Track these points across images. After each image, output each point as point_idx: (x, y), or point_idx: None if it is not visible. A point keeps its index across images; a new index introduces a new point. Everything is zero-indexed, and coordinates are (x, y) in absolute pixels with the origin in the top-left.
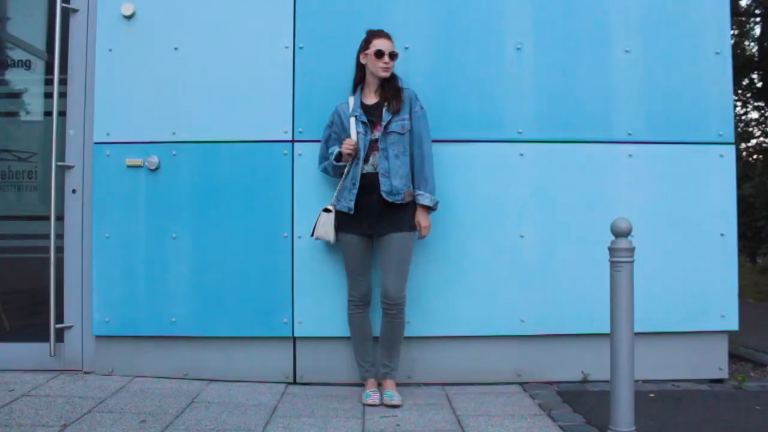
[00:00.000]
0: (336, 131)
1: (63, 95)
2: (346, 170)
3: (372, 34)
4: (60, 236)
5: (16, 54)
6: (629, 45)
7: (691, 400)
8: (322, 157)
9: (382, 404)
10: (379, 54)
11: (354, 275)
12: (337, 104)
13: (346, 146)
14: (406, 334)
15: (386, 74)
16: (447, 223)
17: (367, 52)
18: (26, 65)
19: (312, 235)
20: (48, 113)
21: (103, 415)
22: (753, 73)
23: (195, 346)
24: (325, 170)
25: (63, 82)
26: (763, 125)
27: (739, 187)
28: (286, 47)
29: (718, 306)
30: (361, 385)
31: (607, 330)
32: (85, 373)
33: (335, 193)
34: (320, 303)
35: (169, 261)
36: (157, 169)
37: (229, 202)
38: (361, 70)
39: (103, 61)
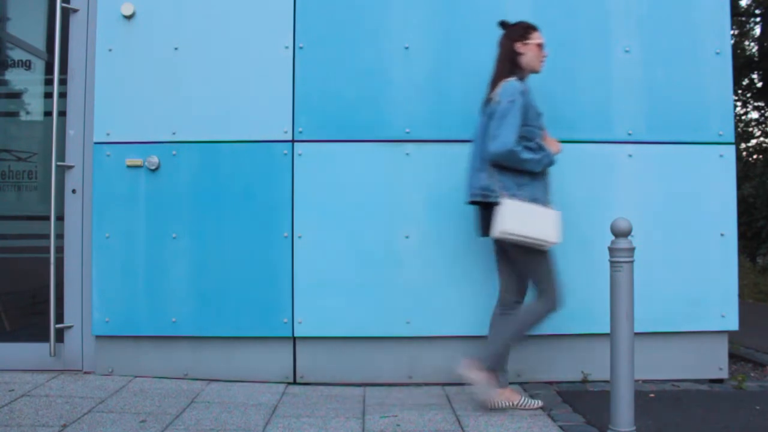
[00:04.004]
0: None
1: (63, 95)
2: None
3: (532, 26)
4: (60, 236)
5: (16, 54)
6: (629, 45)
7: (691, 400)
8: (522, 138)
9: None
10: (542, 47)
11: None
12: (516, 85)
13: (558, 150)
14: (406, 334)
15: (540, 69)
16: (447, 223)
17: (527, 41)
18: (26, 65)
19: (525, 235)
20: (48, 113)
21: (103, 415)
22: (753, 73)
23: (195, 346)
24: (526, 161)
25: (63, 82)
26: (763, 125)
27: (739, 187)
28: (286, 47)
29: (718, 306)
30: (361, 385)
31: (607, 330)
32: (85, 373)
33: (533, 191)
34: (320, 303)
35: (169, 261)
36: (157, 169)
37: (229, 202)
38: (512, 58)
39: (103, 61)
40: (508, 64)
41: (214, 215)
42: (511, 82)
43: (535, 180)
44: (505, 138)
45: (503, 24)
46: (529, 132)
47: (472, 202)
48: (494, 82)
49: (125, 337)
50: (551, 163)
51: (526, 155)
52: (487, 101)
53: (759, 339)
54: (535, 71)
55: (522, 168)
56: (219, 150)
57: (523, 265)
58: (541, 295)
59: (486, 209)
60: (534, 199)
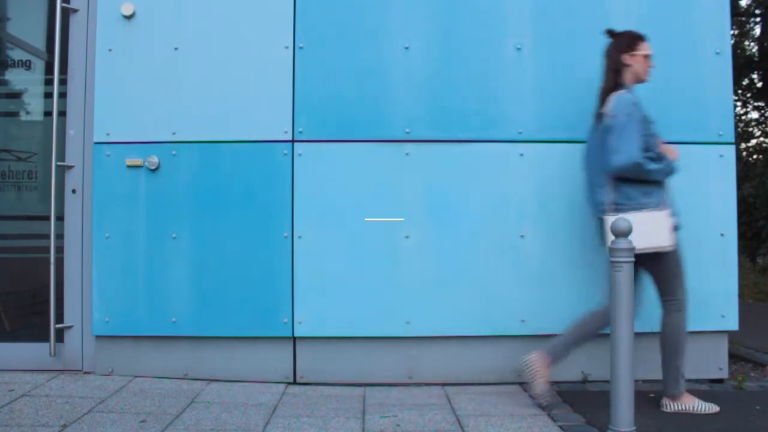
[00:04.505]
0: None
1: (63, 95)
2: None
3: (639, 36)
4: (60, 236)
5: (16, 54)
6: None
7: None
8: (643, 149)
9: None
10: (649, 57)
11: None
12: (628, 98)
13: (676, 156)
14: (406, 334)
15: (647, 79)
16: (447, 223)
17: (635, 53)
18: (26, 65)
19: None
20: (48, 113)
21: (103, 415)
22: (753, 73)
23: (195, 346)
24: (652, 171)
25: (63, 82)
26: (763, 125)
27: (739, 187)
28: (286, 47)
29: (718, 306)
30: (361, 385)
31: (607, 330)
32: (85, 373)
33: (660, 196)
34: (320, 303)
35: (169, 261)
36: (157, 169)
37: (228, 202)
38: (618, 69)
39: (103, 61)
40: (615, 75)
41: (214, 215)
42: (623, 95)
43: (659, 187)
44: (628, 151)
45: (610, 33)
46: (647, 142)
47: (601, 218)
48: (603, 95)
49: (125, 337)
50: (673, 171)
51: (652, 166)
52: (599, 116)
53: (759, 339)
54: (641, 81)
55: (647, 178)
56: (219, 150)
57: (651, 272)
58: (670, 302)
59: None
60: (660, 204)
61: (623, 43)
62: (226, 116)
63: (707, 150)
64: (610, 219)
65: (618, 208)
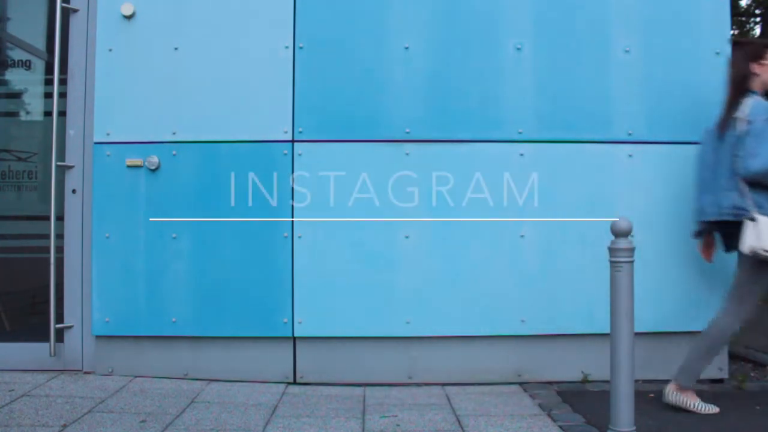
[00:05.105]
0: None
1: (63, 95)
2: None
3: (767, 45)
4: (60, 236)
5: (16, 54)
6: (629, 45)
7: None
8: None
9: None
10: None
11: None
12: (766, 104)
13: None
14: (406, 334)
15: None
16: (448, 223)
17: (764, 62)
18: (26, 65)
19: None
20: (48, 113)
21: (103, 415)
22: None
23: (195, 346)
24: None
25: (63, 82)
26: None
27: None
28: (286, 47)
29: (718, 306)
30: (361, 385)
31: (607, 330)
32: (85, 373)
33: None
34: (320, 303)
35: (169, 261)
36: (157, 169)
37: (229, 202)
38: (746, 76)
39: (103, 61)
40: (743, 83)
41: (214, 215)
42: (761, 101)
43: None
44: (766, 155)
45: (737, 42)
46: None
47: (722, 222)
48: (731, 101)
49: (125, 337)
50: None
51: None
52: (727, 120)
53: (759, 339)
54: None
55: None
56: (219, 150)
57: (746, 276)
58: (737, 306)
59: (729, 227)
60: None
61: (752, 52)
62: (226, 116)
63: None
64: (760, 220)
65: (744, 213)
